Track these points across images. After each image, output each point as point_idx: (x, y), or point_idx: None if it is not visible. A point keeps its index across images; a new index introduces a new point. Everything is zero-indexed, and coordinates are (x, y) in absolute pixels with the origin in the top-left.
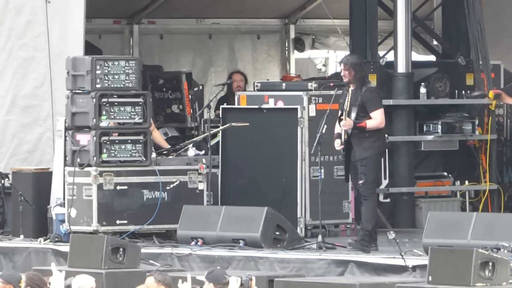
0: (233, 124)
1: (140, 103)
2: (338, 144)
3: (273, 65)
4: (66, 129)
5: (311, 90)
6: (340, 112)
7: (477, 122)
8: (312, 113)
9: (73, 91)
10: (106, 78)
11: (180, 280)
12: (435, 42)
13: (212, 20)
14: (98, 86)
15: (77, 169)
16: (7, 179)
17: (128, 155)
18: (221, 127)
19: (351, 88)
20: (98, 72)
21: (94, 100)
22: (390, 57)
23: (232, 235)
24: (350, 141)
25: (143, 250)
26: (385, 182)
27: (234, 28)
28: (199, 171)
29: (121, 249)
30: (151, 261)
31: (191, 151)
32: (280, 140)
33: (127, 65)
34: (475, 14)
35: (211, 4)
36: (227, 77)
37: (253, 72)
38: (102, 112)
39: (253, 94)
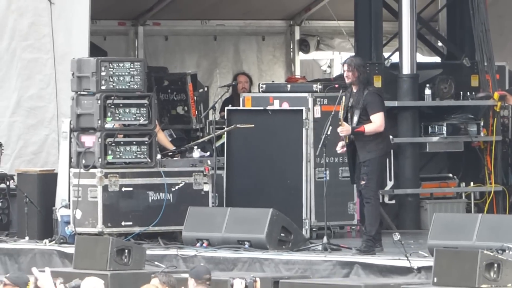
0: (238, 125)
1: (145, 104)
2: (339, 148)
3: (278, 67)
4: (71, 130)
5: (316, 91)
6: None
7: (482, 124)
8: (317, 114)
9: (78, 92)
10: (111, 80)
11: None
12: (440, 44)
13: (217, 21)
14: (103, 87)
15: (82, 170)
16: (12, 180)
17: (133, 157)
18: (226, 129)
19: (354, 90)
20: (103, 73)
21: (99, 101)
22: (395, 58)
23: (237, 237)
24: (355, 143)
25: (148, 252)
26: (390, 184)
27: (239, 30)
28: (204, 173)
29: (126, 250)
30: (156, 263)
31: (196, 153)
32: (285, 142)
33: (132, 66)
34: (480, 15)
35: (216, 6)
36: (232, 79)
37: (258, 73)
38: (107, 114)
39: (258, 96)
